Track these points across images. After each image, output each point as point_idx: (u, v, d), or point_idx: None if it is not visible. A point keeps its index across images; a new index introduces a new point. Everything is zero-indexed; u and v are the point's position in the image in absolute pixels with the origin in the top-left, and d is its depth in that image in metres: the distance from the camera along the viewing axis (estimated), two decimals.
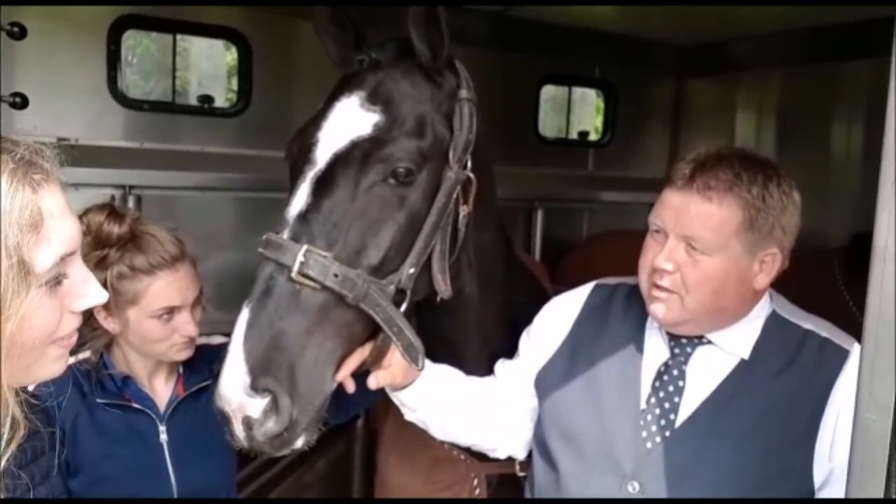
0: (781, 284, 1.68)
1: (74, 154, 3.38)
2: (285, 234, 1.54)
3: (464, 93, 1.73)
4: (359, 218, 1.56)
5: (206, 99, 3.36)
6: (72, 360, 1.87)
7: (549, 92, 4.29)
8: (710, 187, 1.53)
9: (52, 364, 1.18)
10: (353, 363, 1.62)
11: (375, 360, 1.66)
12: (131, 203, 2.98)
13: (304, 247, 1.50)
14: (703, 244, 1.54)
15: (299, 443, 1.54)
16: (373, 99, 1.63)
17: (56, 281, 1.11)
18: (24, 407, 1.16)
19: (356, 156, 1.57)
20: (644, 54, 4.26)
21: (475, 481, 2.12)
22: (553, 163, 4.20)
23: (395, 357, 1.68)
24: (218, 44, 3.83)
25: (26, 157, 1.09)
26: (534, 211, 4.03)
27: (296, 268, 1.49)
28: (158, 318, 1.82)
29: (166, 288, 1.81)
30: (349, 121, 1.61)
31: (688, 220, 1.55)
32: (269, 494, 3.02)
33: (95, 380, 1.87)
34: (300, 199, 1.57)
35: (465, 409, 1.87)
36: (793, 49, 3.85)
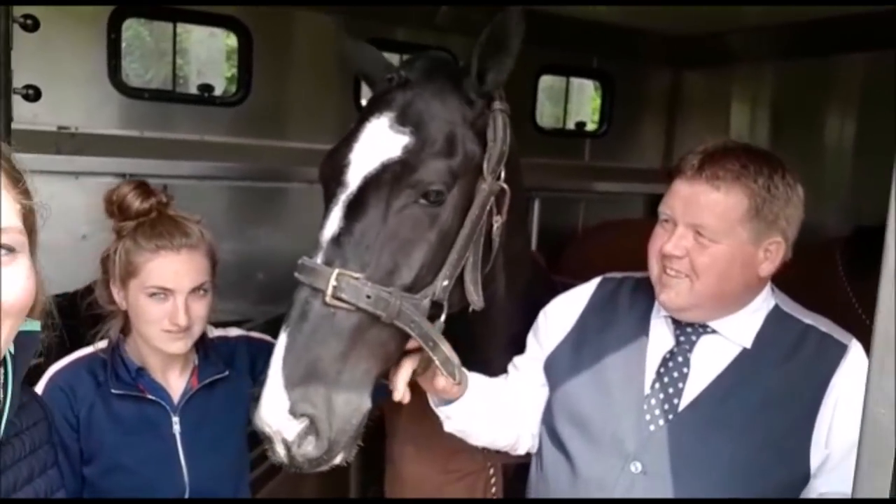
0: (785, 276, 1.73)
1: (74, 142, 3.35)
2: (319, 259, 1.56)
3: (497, 104, 1.73)
4: (390, 239, 1.58)
5: (206, 88, 3.36)
6: (90, 349, 1.92)
7: (546, 82, 4.31)
8: (718, 177, 1.60)
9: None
10: (404, 377, 1.65)
11: (424, 371, 1.69)
12: None
13: (336, 270, 1.52)
14: (710, 231, 1.60)
15: (338, 460, 1.57)
16: (402, 120, 1.63)
17: None
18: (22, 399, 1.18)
19: (386, 179, 1.58)
20: (641, 45, 4.27)
21: (491, 471, 2.15)
22: (550, 153, 4.22)
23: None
24: (215, 29, 3.81)
25: None
26: (531, 201, 4.01)
27: (329, 291, 1.51)
28: (152, 297, 1.84)
29: (162, 267, 1.82)
30: (379, 143, 1.62)
31: (697, 208, 1.61)
32: (271, 479, 3.04)
33: (111, 370, 1.89)
34: (333, 222, 1.59)
35: (498, 414, 1.89)
36: (788, 42, 3.87)
